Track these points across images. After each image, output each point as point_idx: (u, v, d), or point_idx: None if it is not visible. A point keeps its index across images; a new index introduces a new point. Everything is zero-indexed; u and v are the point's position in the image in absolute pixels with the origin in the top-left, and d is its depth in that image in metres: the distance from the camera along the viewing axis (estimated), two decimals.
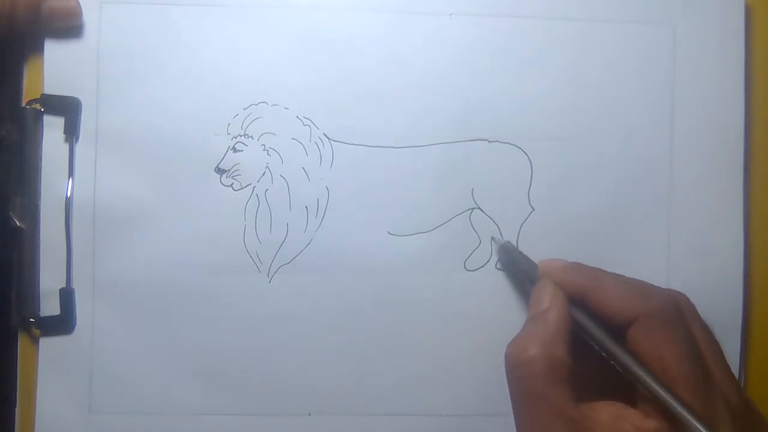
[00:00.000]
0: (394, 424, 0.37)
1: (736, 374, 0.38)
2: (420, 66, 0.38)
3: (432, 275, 0.38)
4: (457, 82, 0.38)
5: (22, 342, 0.37)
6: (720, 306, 0.38)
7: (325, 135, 0.38)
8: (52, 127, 0.37)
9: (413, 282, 0.38)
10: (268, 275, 0.38)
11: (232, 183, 0.38)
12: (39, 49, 0.37)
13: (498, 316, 0.38)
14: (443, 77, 0.38)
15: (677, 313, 0.31)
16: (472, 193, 0.38)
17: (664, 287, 0.33)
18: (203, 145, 0.37)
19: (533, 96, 0.38)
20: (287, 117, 0.38)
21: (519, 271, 0.37)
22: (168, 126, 0.37)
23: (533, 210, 0.38)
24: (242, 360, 0.37)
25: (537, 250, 0.37)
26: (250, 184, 0.38)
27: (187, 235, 0.37)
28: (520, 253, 0.37)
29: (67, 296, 0.37)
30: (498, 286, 0.38)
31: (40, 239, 0.37)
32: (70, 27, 0.37)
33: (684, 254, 0.38)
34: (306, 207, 0.38)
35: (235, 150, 0.38)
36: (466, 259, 0.38)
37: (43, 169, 0.37)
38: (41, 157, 0.37)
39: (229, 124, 0.38)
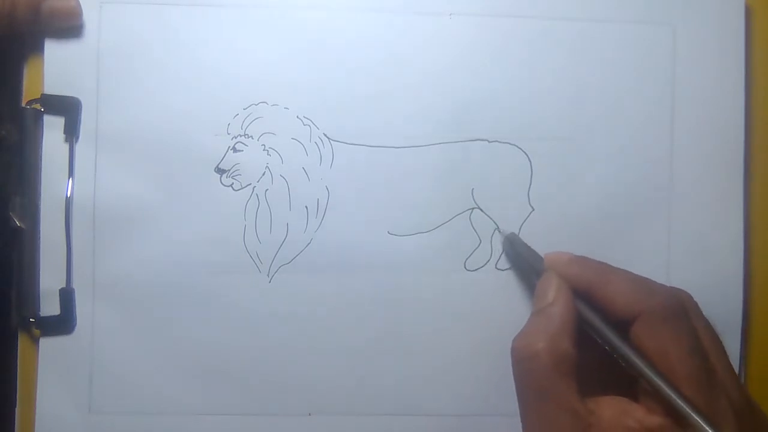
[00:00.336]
0: (394, 424, 0.37)
1: (737, 373, 0.38)
2: (420, 66, 0.38)
3: (432, 275, 0.38)
4: (457, 82, 0.38)
5: (22, 342, 0.37)
6: (720, 305, 0.38)
7: (325, 135, 0.38)
8: (52, 127, 0.37)
9: (413, 282, 0.38)
10: (268, 275, 0.38)
11: (232, 183, 0.38)
12: (39, 49, 0.37)
13: (498, 316, 0.38)
14: (443, 77, 0.38)
15: (681, 310, 0.31)
16: (472, 193, 0.38)
17: (669, 286, 0.33)
18: (203, 145, 0.37)
19: (533, 96, 0.38)
20: (287, 117, 0.38)
21: (524, 263, 0.37)
22: (168, 126, 0.37)
23: (533, 210, 0.38)
24: (242, 360, 0.37)
25: (537, 250, 0.37)
26: (250, 184, 0.38)
27: (187, 235, 0.37)
28: (526, 245, 0.37)
29: (67, 296, 0.37)
30: (498, 286, 0.38)
31: (40, 239, 0.37)
32: (70, 27, 0.37)
33: (684, 254, 0.38)
34: (306, 207, 0.38)
35: (235, 150, 0.38)
36: (466, 259, 0.38)
37: (43, 169, 0.37)
38: (41, 157, 0.37)
39: (229, 124, 0.38)
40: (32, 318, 0.37)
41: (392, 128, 0.38)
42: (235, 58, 0.38)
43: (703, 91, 0.39)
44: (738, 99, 0.39)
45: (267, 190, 0.38)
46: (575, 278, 0.33)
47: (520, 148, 0.38)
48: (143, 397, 0.37)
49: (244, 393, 0.37)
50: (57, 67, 0.37)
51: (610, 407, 0.30)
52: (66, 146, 0.37)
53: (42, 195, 0.37)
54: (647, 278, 0.33)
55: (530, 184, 0.38)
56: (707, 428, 0.27)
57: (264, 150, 0.38)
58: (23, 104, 0.37)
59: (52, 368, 0.37)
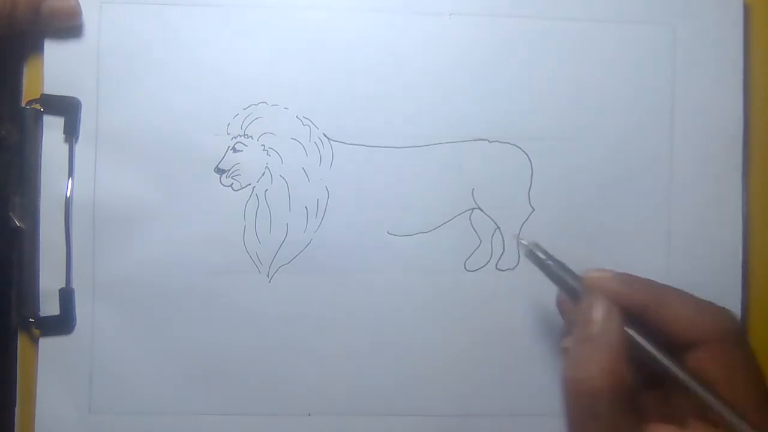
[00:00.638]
0: (394, 424, 0.37)
1: None
2: (420, 66, 0.38)
3: (432, 275, 0.38)
4: (457, 82, 0.38)
5: (22, 342, 0.37)
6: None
7: (324, 135, 0.38)
8: (52, 127, 0.37)
9: (413, 282, 0.38)
10: (267, 275, 0.38)
11: (232, 183, 0.38)
12: (39, 49, 0.37)
13: (498, 316, 0.38)
14: (443, 77, 0.38)
15: (741, 334, 0.30)
16: (473, 193, 0.38)
17: (718, 306, 0.31)
18: (203, 145, 0.37)
19: (533, 96, 0.38)
20: (287, 117, 0.38)
21: (555, 279, 0.33)
22: (168, 126, 0.37)
23: (534, 210, 0.38)
24: (242, 360, 0.37)
25: None
26: (250, 184, 0.38)
27: (187, 235, 0.37)
28: (559, 262, 0.33)
29: (66, 296, 0.37)
30: (498, 286, 0.38)
31: (40, 239, 0.37)
32: (70, 27, 0.37)
33: (684, 253, 0.38)
34: (306, 207, 0.38)
35: (235, 150, 0.38)
36: (467, 259, 0.38)
37: (43, 169, 0.37)
38: (41, 157, 0.37)
39: (229, 124, 0.38)
40: (32, 318, 0.37)
41: (392, 128, 0.38)
42: (235, 58, 0.38)
43: (702, 90, 0.39)
44: (737, 98, 0.39)
45: (267, 190, 0.38)
46: (626, 300, 0.30)
47: (521, 148, 0.38)
48: (143, 397, 0.37)
49: (244, 393, 0.37)
50: (57, 67, 0.37)
51: None
52: (66, 146, 0.37)
53: (42, 195, 0.37)
54: (702, 299, 0.31)
55: (531, 184, 0.38)
56: None
57: (264, 150, 0.38)
58: (23, 104, 0.37)
59: (52, 368, 0.37)
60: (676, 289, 0.31)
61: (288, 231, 0.38)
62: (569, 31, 0.39)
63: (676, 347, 0.30)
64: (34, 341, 0.37)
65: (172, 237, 0.37)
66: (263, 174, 0.38)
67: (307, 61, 0.38)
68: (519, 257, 0.38)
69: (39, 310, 0.37)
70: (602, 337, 0.29)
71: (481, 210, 0.38)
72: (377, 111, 0.38)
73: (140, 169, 0.37)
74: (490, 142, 0.38)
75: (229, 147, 0.37)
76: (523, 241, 0.34)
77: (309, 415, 0.37)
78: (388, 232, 0.38)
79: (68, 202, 0.37)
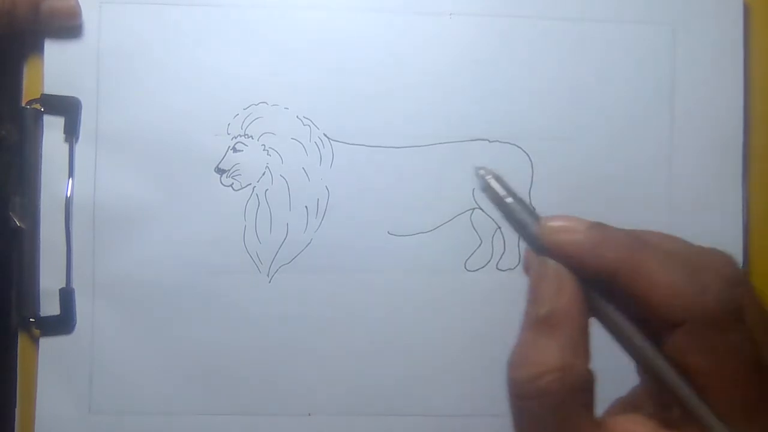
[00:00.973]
0: (394, 424, 0.37)
1: None
2: (420, 66, 0.38)
3: (432, 275, 0.38)
4: (457, 82, 0.38)
5: (22, 342, 0.37)
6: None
7: (325, 135, 0.38)
8: (52, 127, 0.37)
9: (413, 282, 0.38)
10: (268, 275, 0.38)
11: (232, 183, 0.38)
12: (39, 49, 0.37)
13: (498, 316, 0.38)
14: (443, 77, 0.38)
15: (737, 312, 0.23)
16: (473, 193, 0.38)
17: (711, 249, 0.25)
18: (203, 145, 0.37)
19: (533, 96, 0.38)
20: (287, 117, 0.38)
21: (520, 229, 0.25)
22: (168, 126, 0.37)
23: (534, 210, 0.38)
24: (242, 360, 0.37)
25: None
26: (250, 184, 0.38)
27: (187, 235, 0.37)
28: (523, 202, 0.25)
29: (67, 296, 0.37)
30: (498, 287, 0.38)
31: (40, 239, 0.37)
32: (69, 26, 0.37)
33: None
34: (306, 207, 0.38)
35: (235, 150, 0.38)
36: (467, 259, 0.38)
37: (43, 169, 0.37)
38: (41, 157, 0.37)
39: (229, 124, 0.38)
40: (32, 318, 0.37)
41: (392, 128, 0.38)
42: (235, 58, 0.38)
43: (702, 90, 0.39)
44: (737, 98, 0.39)
45: (267, 190, 0.38)
46: (597, 260, 0.23)
47: (521, 148, 0.38)
48: (143, 397, 0.37)
49: (244, 393, 0.37)
50: (57, 67, 0.37)
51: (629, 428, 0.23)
52: (66, 146, 0.37)
53: (42, 195, 0.37)
54: (694, 250, 0.25)
55: (531, 184, 0.38)
56: None
57: (264, 150, 0.38)
58: (23, 104, 0.37)
59: (52, 368, 0.37)
60: (664, 242, 0.25)
61: (288, 231, 0.38)
62: (569, 31, 0.39)
63: (654, 324, 0.23)
64: (35, 341, 0.37)
65: (172, 237, 0.37)
66: (263, 174, 0.38)
67: (307, 61, 0.38)
68: (520, 257, 0.38)
69: (39, 310, 0.37)
70: (553, 320, 0.23)
71: (482, 210, 0.38)
72: (377, 111, 0.38)
73: (140, 169, 0.37)
74: (490, 142, 0.38)
75: (229, 147, 0.37)
76: (480, 171, 0.26)
77: (309, 415, 0.37)
78: (388, 232, 0.38)
79: (68, 202, 0.37)
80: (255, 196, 0.38)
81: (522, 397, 0.23)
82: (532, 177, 0.38)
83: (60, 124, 0.37)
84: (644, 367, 0.24)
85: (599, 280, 0.23)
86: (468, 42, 0.38)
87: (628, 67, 0.39)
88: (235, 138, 0.38)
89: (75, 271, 0.37)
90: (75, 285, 0.37)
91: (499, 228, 0.38)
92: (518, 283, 0.39)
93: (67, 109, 0.37)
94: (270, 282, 0.37)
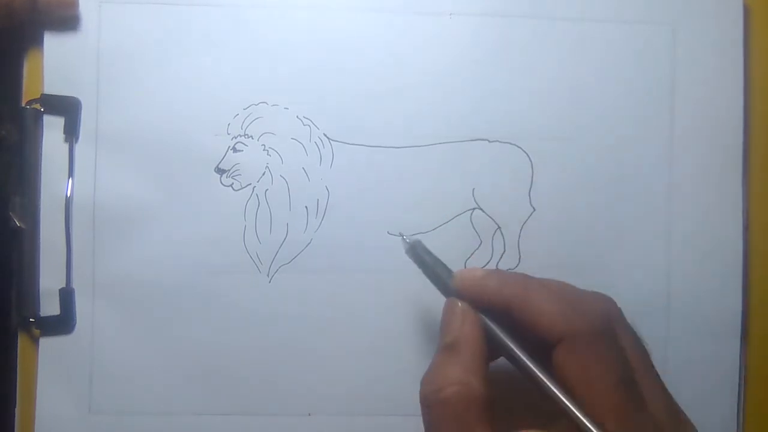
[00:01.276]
0: (394, 424, 0.37)
1: (736, 375, 0.38)
2: (420, 66, 0.38)
3: None
4: (457, 82, 0.38)
5: (22, 342, 0.37)
6: (720, 306, 0.38)
7: (325, 135, 0.38)
8: (52, 127, 0.37)
9: (413, 282, 0.38)
10: (268, 275, 0.38)
11: (232, 183, 0.38)
12: (39, 49, 0.37)
13: None
14: (443, 77, 0.38)
15: (607, 330, 0.28)
16: (473, 193, 0.38)
17: (594, 293, 0.30)
18: (203, 145, 0.37)
19: (533, 96, 0.38)
20: (287, 117, 0.38)
21: (433, 277, 0.32)
22: (168, 126, 0.37)
23: (534, 210, 0.38)
24: (242, 360, 0.37)
25: (538, 251, 0.37)
26: (250, 184, 0.38)
27: (187, 235, 0.37)
28: (435, 257, 0.33)
29: (67, 296, 0.37)
30: None
31: (40, 239, 0.37)
32: (68, 18, 0.37)
33: (684, 254, 0.38)
34: (306, 207, 0.38)
35: (235, 150, 0.38)
36: (467, 259, 0.38)
37: (43, 169, 0.37)
38: (41, 157, 0.37)
39: (229, 124, 0.38)
40: (32, 318, 0.37)
41: (392, 128, 0.38)
42: (235, 58, 0.38)
43: (702, 90, 0.39)
44: (737, 98, 0.39)
45: (267, 190, 0.38)
46: (492, 298, 0.29)
47: (521, 148, 0.38)
48: (143, 397, 0.37)
49: (244, 393, 0.37)
50: (57, 67, 0.37)
51: None
52: (66, 146, 0.37)
53: (42, 195, 0.37)
54: (572, 288, 0.30)
55: (531, 184, 0.38)
56: None
57: (264, 150, 0.38)
58: (23, 104, 0.37)
59: (52, 368, 0.37)
60: (547, 281, 0.30)
61: (288, 231, 0.38)
62: (569, 31, 0.39)
63: (543, 347, 0.28)
64: (34, 341, 0.37)
65: (172, 237, 0.37)
66: (263, 174, 0.38)
67: (307, 61, 0.38)
68: (519, 257, 0.38)
69: (39, 310, 0.37)
70: (459, 344, 0.29)
71: (482, 210, 0.38)
72: (377, 111, 0.38)
73: (140, 169, 0.37)
74: (490, 142, 0.38)
75: (229, 147, 0.37)
76: (405, 238, 0.33)
77: (309, 415, 0.37)
78: (388, 232, 0.38)
79: (68, 202, 0.37)
80: (255, 196, 0.38)
81: (428, 406, 0.28)
82: (532, 177, 0.38)
83: (60, 124, 0.37)
84: (531, 381, 0.28)
85: (498, 314, 0.29)
86: (468, 42, 0.38)
87: (628, 67, 0.39)
88: (235, 138, 0.38)
89: (75, 271, 0.37)
90: (75, 285, 0.37)
91: (499, 228, 0.38)
92: None
93: (67, 109, 0.37)
94: (270, 282, 0.37)
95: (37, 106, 0.37)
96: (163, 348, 0.37)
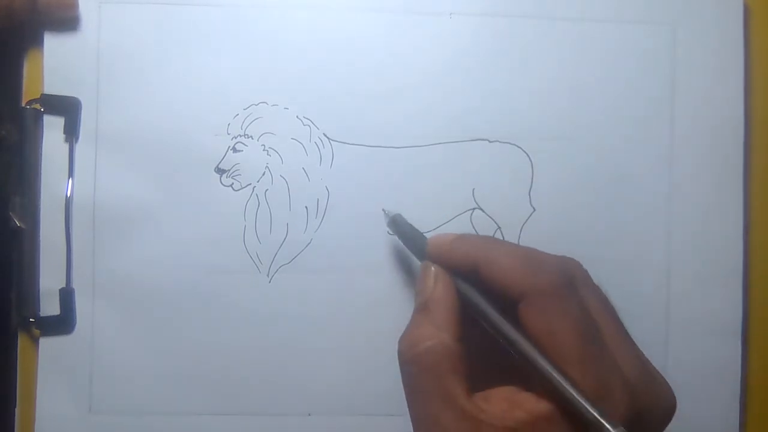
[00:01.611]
0: (394, 424, 0.37)
1: (737, 375, 0.38)
2: (420, 66, 0.38)
3: None
4: (457, 82, 0.38)
5: (22, 342, 0.37)
6: (720, 306, 0.38)
7: (325, 135, 0.38)
8: (52, 127, 0.37)
9: (413, 282, 0.38)
10: (268, 275, 0.38)
11: (232, 183, 0.38)
12: (39, 49, 0.37)
13: None
14: (443, 77, 0.38)
15: (568, 284, 0.29)
16: (473, 193, 0.38)
17: (558, 255, 0.31)
18: (203, 145, 0.37)
19: (533, 96, 0.38)
20: (287, 117, 0.38)
21: (411, 246, 0.35)
22: (168, 126, 0.37)
23: (534, 210, 0.38)
24: (242, 360, 0.37)
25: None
26: (250, 184, 0.38)
27: (187, 235, 0.37)
28: (412, 227, 0.35)
29: (67, 296, 0.37)
30: None
31: (40, 239, 0.37)
32: (68, 18, 0.37)
33: (684, 254, 0.38)
34: (306, 207, 0.38)
35: (235, 150, 0.38)
36: None
37: (43, 169, 0.37)
38: (41, 157, 0.37)
39: (229, 124, 0.38)
40: (32, 318, 0.37)
41: (392, 128, 0.38)
42: (235, 58, 0.38)
43: (702, 90, 0.39)
44: (737, 99, 0.39)
45: (267, 190, 0.38)
46: (460, 259, 0.31)
47: (521, 148, 0.38)
48: (143, 397, 0.37)
49: (244, 393, 0.37)
50: (57, 67, 0.37)
51: (499, 401, 0.28)
52: (66, 146, 0.37)
53: (42, 195, 0.37)
54: (536, 250, 0.31)
55: (531, 184, 0.38)
56: (591, 410, 0.26)
57: (264, 150, 0.38)
58: (23, 104, 0.37)
59: (52, 368, 0.37)
60: (509, 242, 0.32)
61: (288, 231, 0.38)
62: (569, 31, 0.39)
63: (512, 304, 0.29)
64: (34, 341, 0.37)
65: (172, 237, 0.37)
66: (263, 174, 0.38)
67: (307, 61, 0.38)
68: None
69: (39, 310, 0.37)
70: (431, 303, 0.30)
71: (482, 210, 0.38)
72: (377, 111, 0.38)
73: (140, 169, 0.37)
74: (490, 142, 0.38)
75: (229, 147, 0.37)
76: (386, 212, 0.36)
77: (309, 415, 0.37)
78: (388, 232, 0.38)
79: (68, 202, 0.37)
80: (255, 196, 0.38)
81: (404, 362, 0.30)
82: (532, 177, 0.38)
83: (60, 124, 0.37)
84: (500, 337, 0.29)
85: (468, 274, 0.31)
86: (468, 42, 0.38)
87: (628, 67, 0.39)
88: (235, 138, 0.38)
89: (75, 271, 0.37)
90: (75, 285, 0.37)
91: (499, 228, 0.38)
92: None
93: (67, 109, 0.37)
94: (270, 282, 0.37)
95: (37, 106, 0.37)
96: (163, 348, 0.37)
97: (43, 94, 0.37)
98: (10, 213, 0.37)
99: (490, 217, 0.38)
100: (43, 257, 0.37)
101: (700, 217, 0.38)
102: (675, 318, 0.38)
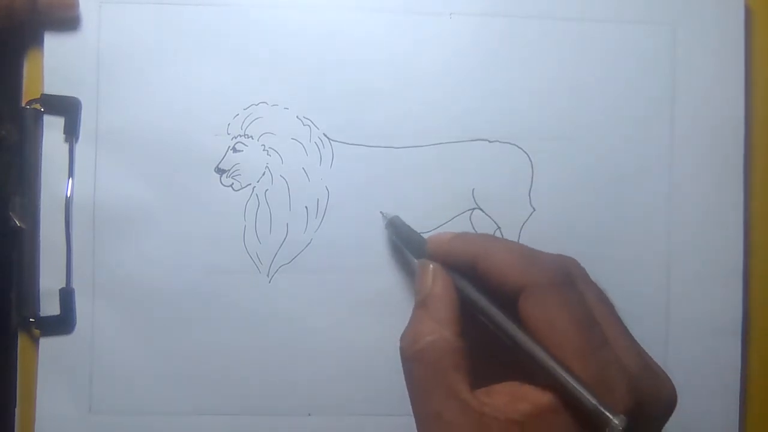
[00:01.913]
0: (394, 424, 0.37)
1: (736, 374, 0.38)
2: (420, 66, 0.38)
3: None
4: (457, 82, 0.38)
5: (22, 342, 0.37)
6: (720, 306, 0.38)
7: (325, 135, 0.38)
8: (52, 127, 0.37)
9: (413, 282, 0.38)
10: (268, 275, 0.38)
11: (232, 183, 0.38)
12: (39, 49, 0.37)
13: None
14: (443, 77, 0.38)
15: (566, 278, 0.29)
16: (473, 194, 0.38)
17: (556, 254, 0.31)
18: (203, 145, 0.37)
19: (533, 96, 0.38)
20: (287, 117, 0.38)
21: (410, 248, 0.35)
22: (168, 126, 0.37)
23: (534, 210, 0.38)
24: (242, 360, 0.37)
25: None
26: (250, 184, 0.38)
27: (187, 235, 0.37)
28: (410, 228, 0.36)
29: (67, 296, 0.37)
30: None
31: (40, 239, 0.37)
32: (68, 18, 0.37)
33: (684, 254, 0.38)
34: (306, 207, 0.38)
35: (235, 150, 0.38)
36: None
37: (43, 169, 0.37)
38: (41, 157, 0.37)
39: (229, 124, 0.38)
40: (32, 318, 0.37)
41: (392, 128, 0.38)
42: (236, 58, 0.38)
43: (703, 91, 0.39)
44: (738, 99, 0.39)
45: (267, 190, 0.38)
46: (459, 256, 0.31)
47: (521, 148, 0.38)
48: (143, 397, 0.37)
49: (244, 393, 0.37)
50: (57, 67, 0.37)
51: (502, 394, 0.28)
52: (66, 146, 0.37)
53: (42, 195, 0.37)
54: (531, 248, 0.31)
55: (531, 184, 0.38)
56: (593, 401, 0.26)
57: (264, 150, 0.38)
58: (23, 104, 0.37)
59: (52, 368, 0.37)
60: (506, 239, 0.33)
61: (288, 231, 0.38)
62: (569, 31, 0.39)
63: (510, 299, 0.29)
64: (34, 341, 0.37)
65: (172, 237, 0.37)
66: (263, 174, 0.38)
67: (307, 61, 0.38)
68: None
69: (39, 310, 0.37)
70: (431, 299, 0.31)
71: (482, 210, 0.38)
72: (377, 111, 0.38)
73: (140, 169, 0.37)
74: (490, 142, 0.38)
75: (229, 147, 0.37)
76: (384, 214, 0.37)
77: (309, 415, 0.37)
78: (384, 228, 0.38)
79: (68, 202, 0.37)
80: (255, 196, 0.38)
81: (406, 359, 0.30)
82: (532, 177, 0.38)
83: (60, 124, 0.37)
84: (500, 332, 0.29)
85: (467, 271, 0.31)
86: (468, 42, 0.38)
87: (628, 67, 0.39)
88: (235, 138, 0.38)
89: (75, 271, 0.37)
90: (75, 285, 0.37)
91: (499, 228, 0.38)
92: None
93: (67, 109, 0.37)
94: (270, 282, 0.37)
95: (37, 106, 0.37)
96: (163, 348, 0.37)
97: (43, 94, 0.37)
98: (10, 213, 0.37)
99: (490, 217, 0.38)
100: (43, 257, 0.37)
101: (700, 217, 0.38)
102: (675, 318, 0.38)
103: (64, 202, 0.37)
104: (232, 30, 0.38)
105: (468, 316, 0.31)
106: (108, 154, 0.37)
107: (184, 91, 0.37)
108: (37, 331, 0.37)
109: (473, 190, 0.38)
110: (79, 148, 0.37)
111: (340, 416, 0.37)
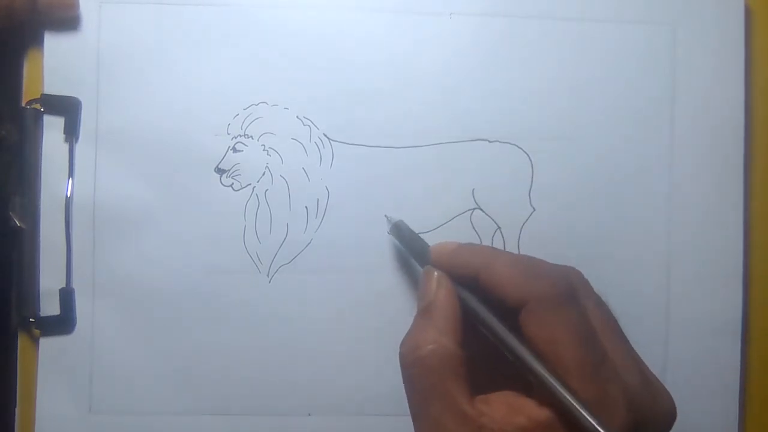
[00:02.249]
0: (394, 424, 0.37)
1: (736, 375, 0.38)
2: (420, 66, 0.38)
3: None
4: (457, 82, 0.38)
5: (22, 342, 0.37)
6: (720, 306, 0.38)
7: (325, 135, 0.38)
8: (52, 127, 0.37)
9: (413, 282, 0.38)
10: (268, 275, 0.38)
11: (232, 183, 0.38)
12: (39, 49, 0.37)
13: None
14: (443, 77, 0.38)
15: (569, 293, 0.29)
16: (473, 194, 0.38)
17: (559, 265, 0.31)
18: (203, 145, 0.37)
19: (533, 96, 0.38)
20: (287, 117, 0.38)
21: (413, 253, 0.35)
22: (168, 126, 0.37)
23: (534, 210, 0.38)
24: (242, 360, 0.37)
25: (538, 251, 0.37)
26: (250, 184, 0.38)
27: (187, 235, 0.37)
28: (414, 233, 0.36)
29: (67, 296, 0.37)
30: None
31: (40, 239, 0.37)
32: (68, 18, 0.37)
33: (684, 254, 0.38)
34: (306, 207, 0.38)
35: (235, 150, 0.38)
36: None
37: (43, 169, 0.37)
38: (41, 157, 0.37)
39: (229, 124, 0.38)
40: (32, 318, 0.37)
41: (392, 128, 0.38)
42: (236, 58, 0.38)
43: (703, 91, 0.39)
44: (738, 99, 0.39)
45: (267, 190, 0.38)
46: (462, 267, 0.31)
47: (521, 148, 0.38)
48: (143, 397, 0.37)
49: (244, 393, 0.37)
50: (57, 66, 0.37)
51: (501, 405, 0.28)
52: (66, 146, 0.37)
53: (42, 195, 0.37)
54: (537, 259, 0.31)
55: (531, 184, 0.38)
56: (590, 420, 0.26)
57: (264, 150, 0.38)
58: (23, 104, 0.37)
59: (52, 368, 0.37)
60: (510, 252, 0.33)
61: (288, 231, 0.38)
62: (569, 31, 0.39)
63: (513, 312, 0.29)
64: (34, 341, 0.37)
65: (172, 237, 0.37)
66: (263, 174, 0.38)
67: (307, 62, 0.38)
68: None
69: (39, 310, 0.37)
70: (433, 307, 0.31)
71: (482, 210, 0.38)
72: (377, 111, 0.38)
73: (140, 169, 0.37)
74: (490, 142, 0.38)
75: (229, 147, 0.37)
76: (388, 218, 0.37)
77: (309, 415, 0.37)
78: (387, 232, 0.38)
79: (68, 202, 0.37)
80: (255, 196, 0.38)
81: (406, 366, 0.30)
82: (532, 177, 0.38)
83: (60, 124, 0.37)
84: (500, 344, 0.29)
85: (469, 282, 0.31)
86: (468, 42, 0.38)
87: (628, 67, 0.39)
88: (235, 138, 0.38)
89: (75, 271, 0.37)
90: (75, 285, 0.37)
91: (499, 228, 0.38)
92: None
93: (67, 109, 0.37)
94: (270, 282, 0.37)
95: (37, 106, 0.37)
96: (163, 348, 0.37)
97: (43, 94, 0.37)
98: (10, 213, 0.37)
99: (490, 217, 0.38)
100: (43, 257, 0.37)
101: (700, 217, 0.38)
102: (675, 318, 0.38)
103: (64, 202, 0.37)
104: (232, 30, 0.38)
105: (469, 326, 0.31)
106: (108, 154, 0.37)
107: (184, 91, 0.37)
108: (37, 331, 0.37)
109: (473, 190, 0.38)
110: (79, 148, 0.37)
111: (340, 416, 0.37)
